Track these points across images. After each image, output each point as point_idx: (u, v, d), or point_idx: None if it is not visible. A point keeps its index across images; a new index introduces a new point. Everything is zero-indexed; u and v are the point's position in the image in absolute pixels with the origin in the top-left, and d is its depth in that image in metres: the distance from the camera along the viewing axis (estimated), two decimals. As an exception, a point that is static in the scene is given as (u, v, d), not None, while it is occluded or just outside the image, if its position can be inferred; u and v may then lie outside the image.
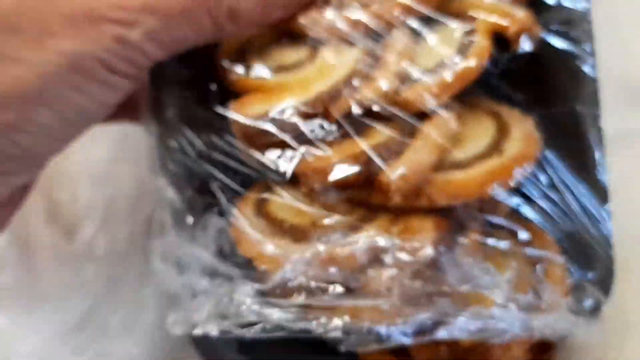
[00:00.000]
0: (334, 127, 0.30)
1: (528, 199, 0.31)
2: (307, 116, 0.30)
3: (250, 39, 0.33)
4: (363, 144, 0.29)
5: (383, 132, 0.29)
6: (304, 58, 0.32)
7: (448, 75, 0.29)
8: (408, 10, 0.30)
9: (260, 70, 0.32)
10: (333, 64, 0.31)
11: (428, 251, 0.27)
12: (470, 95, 0.31)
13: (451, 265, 0.29)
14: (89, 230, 0.43)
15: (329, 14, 0.31)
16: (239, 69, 0.32)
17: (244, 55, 0.33)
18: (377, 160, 0.28)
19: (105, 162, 0.44)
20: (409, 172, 0.28)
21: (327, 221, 0.30)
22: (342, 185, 0.29)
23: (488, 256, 0.34)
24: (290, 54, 0.33)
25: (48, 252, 0.42)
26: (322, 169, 0.29)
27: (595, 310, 0.31)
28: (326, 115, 0.30)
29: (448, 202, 0.29)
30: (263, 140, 0.30)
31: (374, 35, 0.31)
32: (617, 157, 0.33)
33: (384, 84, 0.29)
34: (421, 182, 0.29)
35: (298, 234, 0.29)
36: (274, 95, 0.31)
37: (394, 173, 0.28)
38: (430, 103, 0.29)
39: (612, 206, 0.31)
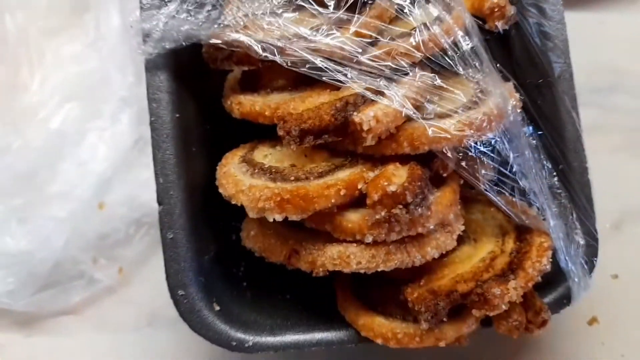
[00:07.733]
0: None
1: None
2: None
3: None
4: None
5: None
6: None
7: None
8: None
9: None
10: None
11: (392, 187, 0.28)
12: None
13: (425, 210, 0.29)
14: None
15: None
16: None
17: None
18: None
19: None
20: (381, 114, 0.29)
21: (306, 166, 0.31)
22: (318, 129, 0.30)
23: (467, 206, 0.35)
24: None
25: None
26: (299, 115, 0.30)
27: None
28: None
29: (416, 149, 0.30)
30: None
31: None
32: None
33: None
34: (392, 128, 0.30)
35: (277, 174, 0.31)
36: None
37: (366, 115, 0.29)
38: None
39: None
